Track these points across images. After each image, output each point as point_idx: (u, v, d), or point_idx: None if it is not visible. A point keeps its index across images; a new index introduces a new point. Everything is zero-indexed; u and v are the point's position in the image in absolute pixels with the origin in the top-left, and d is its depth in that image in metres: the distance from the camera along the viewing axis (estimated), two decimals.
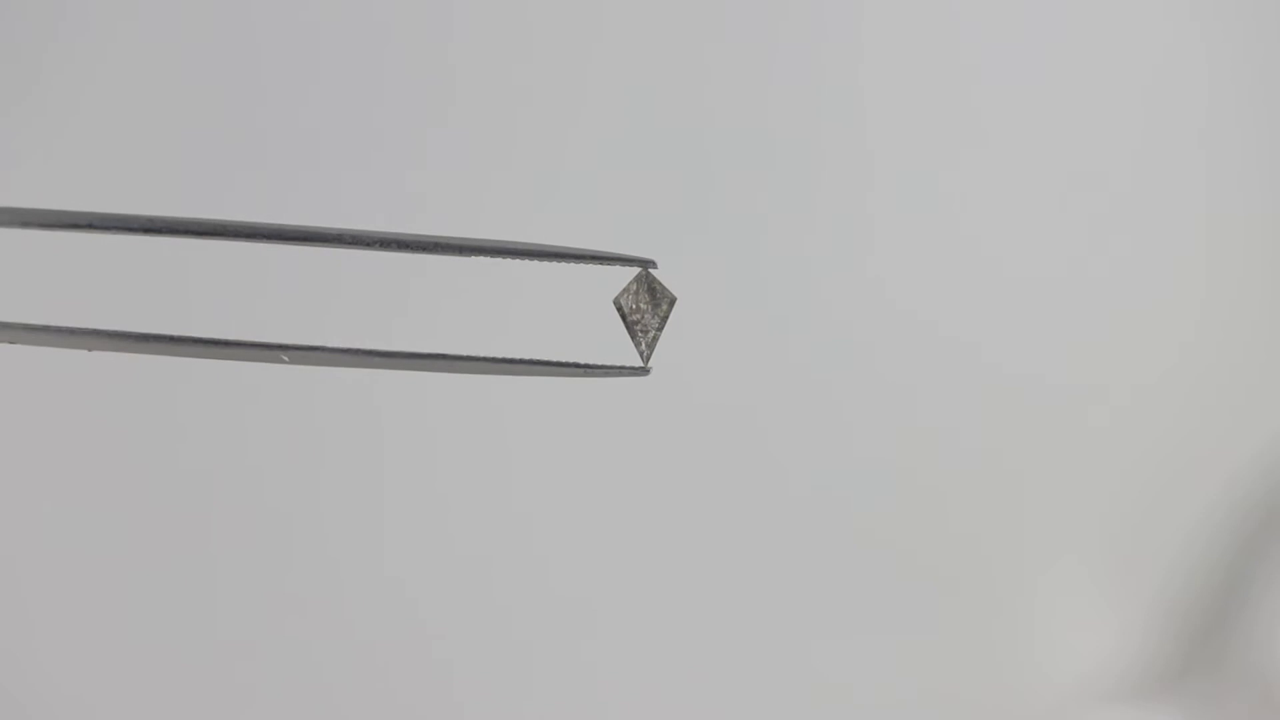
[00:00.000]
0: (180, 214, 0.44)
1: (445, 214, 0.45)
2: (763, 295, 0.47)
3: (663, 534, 0.47)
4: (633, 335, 0.21)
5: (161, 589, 0.44)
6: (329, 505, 0.45)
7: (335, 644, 0.45)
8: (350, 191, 0.44)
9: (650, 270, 0.21)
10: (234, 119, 0.44)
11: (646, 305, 0.21)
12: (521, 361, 0.22)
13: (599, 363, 0.22)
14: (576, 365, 0.22)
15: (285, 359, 0.22)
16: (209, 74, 0.44)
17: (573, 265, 0.20)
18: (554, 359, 0.22)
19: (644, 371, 0.22)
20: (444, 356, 0.21)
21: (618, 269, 0.20)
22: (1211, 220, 0.50)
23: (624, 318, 0.21)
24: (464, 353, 0.22)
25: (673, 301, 0.21)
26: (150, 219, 0.20)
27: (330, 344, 0.21)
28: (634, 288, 0.21)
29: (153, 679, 0.44)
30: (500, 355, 0.22)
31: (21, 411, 0.43)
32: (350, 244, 0.20)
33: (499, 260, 0.20)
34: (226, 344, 0.21)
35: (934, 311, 0.48)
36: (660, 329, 0.21)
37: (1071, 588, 0.49)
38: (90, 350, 0.21)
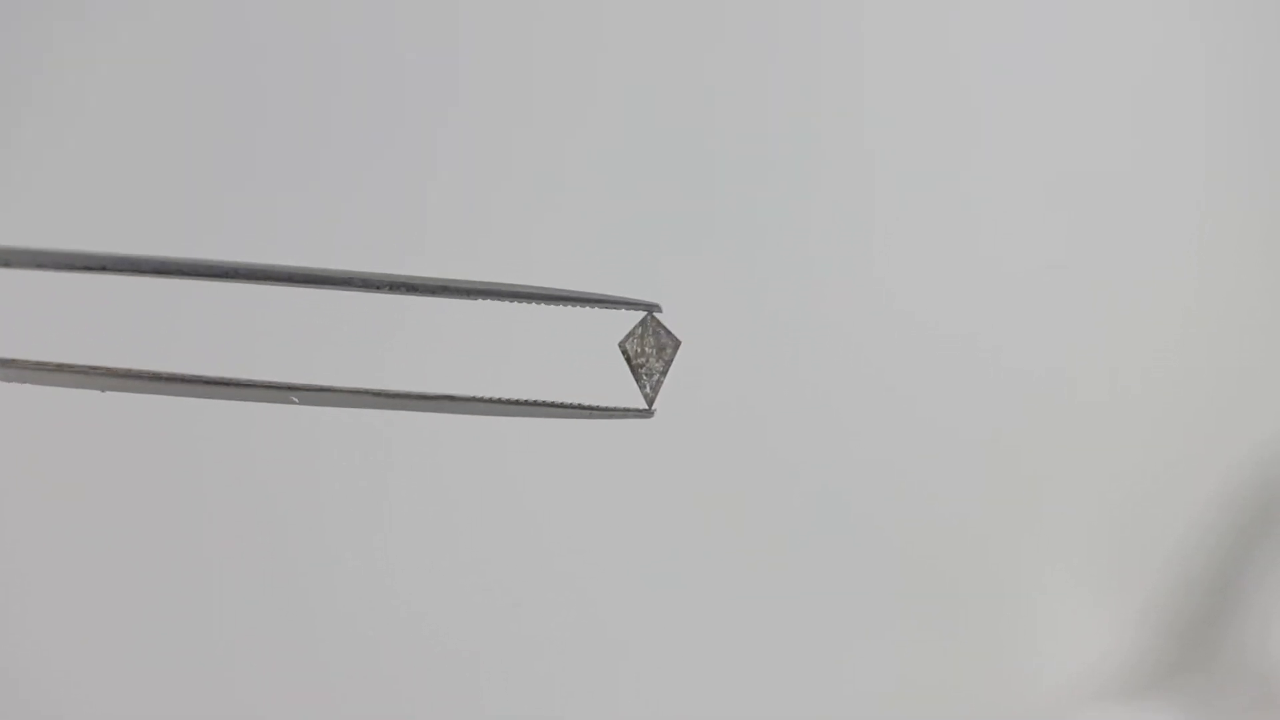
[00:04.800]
0: (182, 232, 0.44)
1: (446, 222, 0.45)
2: (760, 303, 0.48)
3: (671, 545, 0.47)
4: (637, 378, 0.21)
5: (164, 591, 0.44)
6: (335, 537, 0.45)
7: (335, 657, 0.45)
8: (350, 209, 0.44)
9: (655, 314, 0.21)
10: (232, 133, 0.44)
11: (651, 349, 0.21)
12: (527, 403, 0.22)
13: (603, 404, 0.22)
14: (581, 406, 0.22)
15: (295, 400, 0.22)
16: (208, 86, 0.44)
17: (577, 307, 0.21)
18: (559, 400, 0.22)
19: (648, 413, 0.22)
20: (450, 398, 0.21)
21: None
22: (1208, 222, 0.51)
23: (629, 361, 0.21)
24: (469, 393, 0.22)
25: (677, 345, 0.21)
26: (162, 261, 0.20)
27: (338, 385, 0.21)
28: (639, 331, 0.21)
29: (153, 679, 0.44)
30: (506, 397, 0.22)
31: (24, 418, 0.43)
32: (360, 287, 0.21)
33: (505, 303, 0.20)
34: (238, 384, 0.21)
35: (933, 318, 0.49)
36: (665, 372, 0.21)
37: (1067, 587, 0.50)
38: (104, 391, 0.21)
